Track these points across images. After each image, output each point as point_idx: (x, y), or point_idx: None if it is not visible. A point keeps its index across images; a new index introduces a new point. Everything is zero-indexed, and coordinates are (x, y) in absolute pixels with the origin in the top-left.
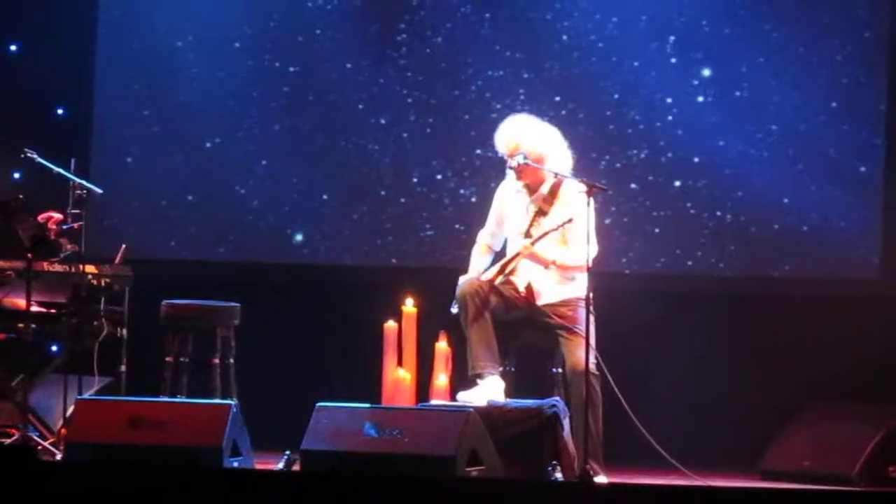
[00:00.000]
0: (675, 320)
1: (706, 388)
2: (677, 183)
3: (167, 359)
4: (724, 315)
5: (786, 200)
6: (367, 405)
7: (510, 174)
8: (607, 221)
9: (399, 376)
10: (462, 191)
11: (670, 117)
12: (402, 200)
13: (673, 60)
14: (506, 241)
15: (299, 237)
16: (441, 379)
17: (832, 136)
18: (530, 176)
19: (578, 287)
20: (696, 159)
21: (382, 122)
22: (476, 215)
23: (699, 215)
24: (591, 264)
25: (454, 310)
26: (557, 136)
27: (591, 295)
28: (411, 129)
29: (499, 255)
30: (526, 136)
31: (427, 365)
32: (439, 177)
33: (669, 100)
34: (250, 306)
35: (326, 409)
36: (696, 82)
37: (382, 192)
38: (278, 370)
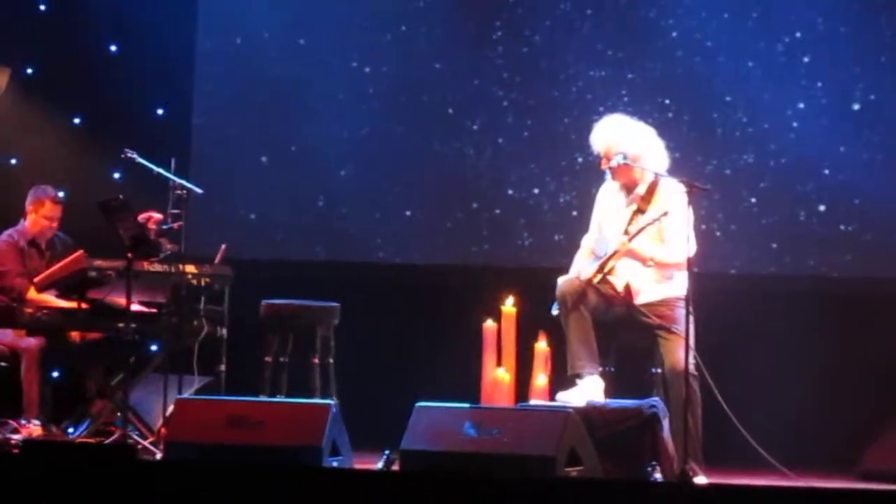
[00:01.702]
0: (775, 320)
1: (807, 388)
2: (788, 189)
3: (267, 358)
4: (825, 315)
5: None
6: (467, 405)
7: (607, 175)
8: (717, 233)
9: (498, 376)
10: (562, 197)
11: (780, 120)
12: (499, 207)
13: (784, 60)
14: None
15: (386, 250)
16: (540, 379)
17: None
18: (626, 176)
19: (677, 286)
20: (809, 164)
21: (478, 124)
22: (577, 222)
23: (809, 222)
24: (689, 262)
25: (554, 311)
26: (653, 135)
27: (690, 294)
28: (508, 131)
29: None
30: (621, 135)
31: (526, 365)
32: (538, 182)
33: (779, 101)
34: (350, 306)
35: (426, 409)
36: (807, 83)
37: (478, 198)
38: (377, 370)
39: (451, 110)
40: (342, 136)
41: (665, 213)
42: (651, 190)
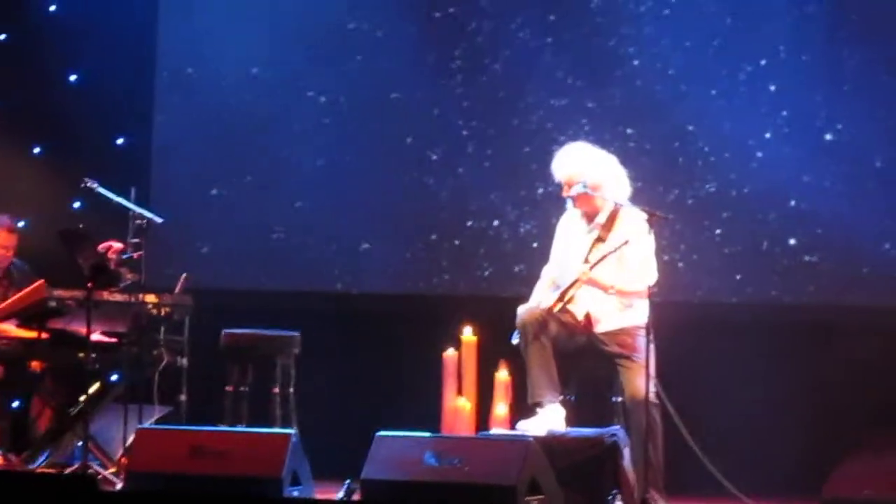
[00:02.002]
0: (736, 349)
1: (767, 417)
2: (750, 218)
3: (227, 388)
4: (786, 344)
5: (865, 237)
6: (427, 434)
7: (569, 203)
8: (679, 263)
9: (459, 405)
10: (522, 227)
11: (743, 149)
12: (459, 237)
13: (745, 89)
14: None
15: (344, 280)
16: (501, 408)
17: None
18: (587, 204)
19: (638, 315)
20: (772, 194)
21: (437, 154)
22: (537, 253)
23: (772, 251)
24: (650, 290)
25: (515, 341)
26: (615, 163)
27: (650, 323)
28: (468, 161)
29: None
30: (582, 164)
31: (487, 394)
32: (498, 212)
33: (741, 130)
34: (310, 335)
35: (386, 438)
36: (770, 112)
37: (437, 229)
38: (338, 399)
39: (409, 140)
40: (299, 166)
41: (626, 242)
42: (612, 218)
